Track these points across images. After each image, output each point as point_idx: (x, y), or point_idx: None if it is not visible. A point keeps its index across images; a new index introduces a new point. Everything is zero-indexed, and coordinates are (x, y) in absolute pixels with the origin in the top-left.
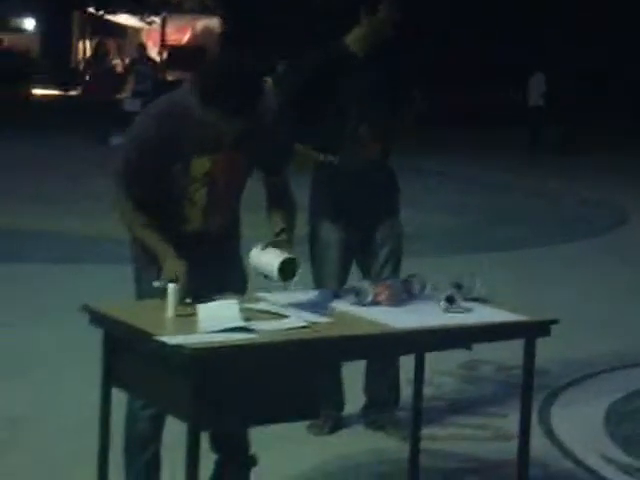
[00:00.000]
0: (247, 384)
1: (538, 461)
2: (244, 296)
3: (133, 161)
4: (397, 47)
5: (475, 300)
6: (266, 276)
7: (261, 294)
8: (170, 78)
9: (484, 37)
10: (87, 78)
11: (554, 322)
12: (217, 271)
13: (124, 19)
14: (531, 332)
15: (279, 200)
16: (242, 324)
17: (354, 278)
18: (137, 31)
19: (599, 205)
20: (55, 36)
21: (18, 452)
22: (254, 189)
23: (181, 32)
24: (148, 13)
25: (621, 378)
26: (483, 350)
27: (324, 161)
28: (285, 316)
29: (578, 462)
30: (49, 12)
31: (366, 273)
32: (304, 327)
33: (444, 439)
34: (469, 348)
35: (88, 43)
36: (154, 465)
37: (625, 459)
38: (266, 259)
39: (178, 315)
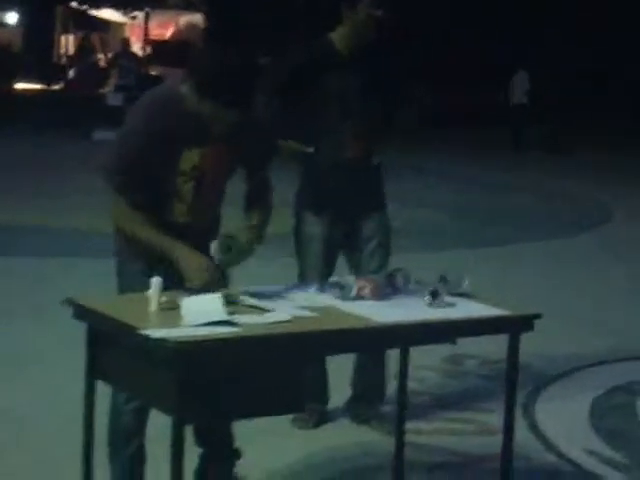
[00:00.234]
0: (231, 377)
1: (522, 455)
2: (227, 290)
3: (125, 156)
4: (385, 48)
5: (460, 295)
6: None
7: (244, 288)
8: (153, 73)
9: (483, 37)
10: (71, 73)
11: (537, 317)
12: None
13: (107, 14)
14: (515, 327)
15: (257, 196)
16: (226, 317)
17: (343, 272)
18: (120, 26)
19: (585, 202)
20: (38, 30)
21: (17, 451)
22: (232, 183)
23: (164, 27)
24: (131, 8)
25: (605, 373)
26: (467, 344)
27: (306, 153)
28: (269, 310)
29: (562, 456)
30: (32, 6)
31: (354, 267)
32: (288, 321)
33: (429, 433)
34: (453, 342)
35: (71, 38)
36: (138, 459)
37: (609, 452)
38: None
39: (162, 309)
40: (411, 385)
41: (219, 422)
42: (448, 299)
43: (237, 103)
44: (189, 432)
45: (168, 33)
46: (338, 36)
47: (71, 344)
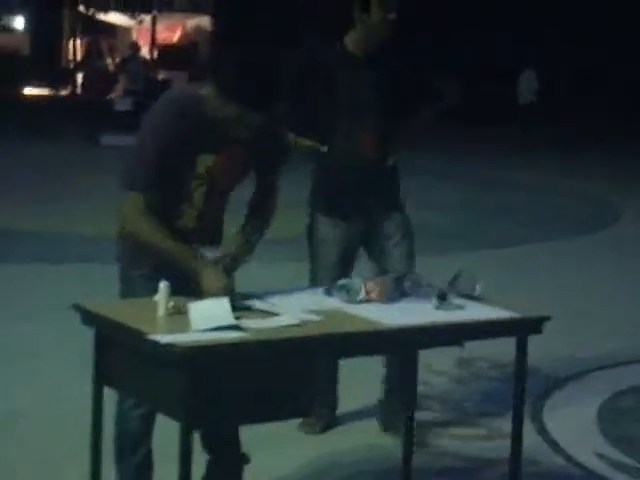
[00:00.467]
0: (239, 382)
1: (531, 459)
2: (234, 294)
3: (151, 161)
4: (398, 49)
5: (468, 297)
6: None
7: (252, 292)
8: (161, 76)
9: (484, 35)
10: (80, 77)
11: (546, 319)
12: None
13: (114, 18)
14: (523, 329)
15: (261, 202)
16: (234, 322)
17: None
18: (127, 30)
19: (593, 202)
20: (45, 35)
21: (15, 449)
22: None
23: (172, 30)
24: (138, 12)
25: (615, 376)
26: (476, 347)
27: (321, 152)
28: (277, 314)
29: (571, 459)
30: (39, 11)
31: (375, 262)
32: (296, 325)
33: (437, 437)
34: (461, 345)
35: (79, 42)
36: (146, 465)
37: (617, 456)
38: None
39: (169, 314)
40: (420, 388)
41: (228, 427)
42: (456, 302)
43: (264, 106)
44: (196, 437)
45: (175, 36)
46: (352, 39)
47: (67, 346)
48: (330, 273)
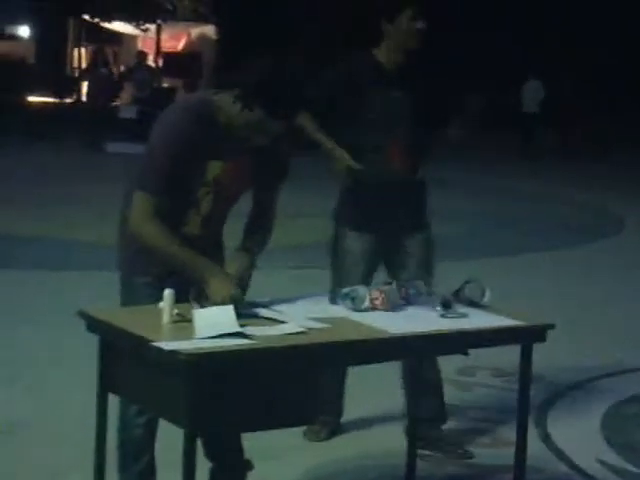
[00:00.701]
0: (244, 390)
1: (535, 466)
2: (239, 302)
3: (163, 168)
4: (427, 61)
5: (473, 305)
6: None
7: (257, 300)
8: (165, 85)
9: (488, 39)
10: (85, 85)
11: (550, 327)
12: None
13: (119, 26)
14: (527, 337)
15: (261, 216)
16: (238, 329)
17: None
18: (132, 38)
19: (596, 211)
20: (50, 43)
21: (17, 457)
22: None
23: (176, 39)
24: (143, 21)
25: (617, 384)
26: (480, 355)
27: (354, 169)
28: (282, 322)
29: (574, 467)
30: (44, 19)
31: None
32: (301, 332)
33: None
34: (466, 353)
35: (84, 50)
36: (149, 472)
37: (621, 463)
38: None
39: (174, 321)
40: None
41: (232, 434)
42: (460, 310)
43: (287, 114)
44: (198, 444)
45: (180, 45)
46: (381, 51)
47: (73, 353)
48: (354, 285)
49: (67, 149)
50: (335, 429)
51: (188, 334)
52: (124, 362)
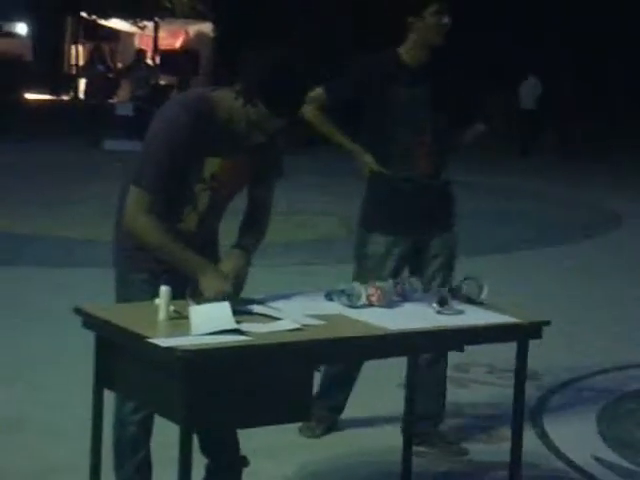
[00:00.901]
0: (239, 386)
1: (531, 462)
2: (236, 298)
3: (162, 163)
4: (446, 57)
5: (470, 302)
6: None
7: (253, 296)
8: (163, 82)
9: (488, 39)
10: (82, 83)
11: (545, 324)
12: None
13: (117, 24)
14: (523, 334)
15: (256, 213)
16: (235, 326)
17: None
18: (130, 36)
19: (594, 209)
20: (48, 41)
21: (16, 454)
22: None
23: (174, 37)
24: (140, 18)
25: (613, 380)
26: (476, 352)
27: (377, 171)
28: (277, 318)
29: (570, 463)
30: (42, 17)
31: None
32: (297, 329)
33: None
34: (460, 350)
35: (81, 48)
36: (145, 469)
37: (616, 460)
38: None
39: (170, 317)
40: None
41: (228, 430)
42: (456, 306)
43: (289, 112)
44: (195, 441)
45: (178, 42)
46: (406, 48)
47: (70, 350)
48: None
49: (65, 146)
50: (331, 426)
51: (184, 331)
52: (120, 358)
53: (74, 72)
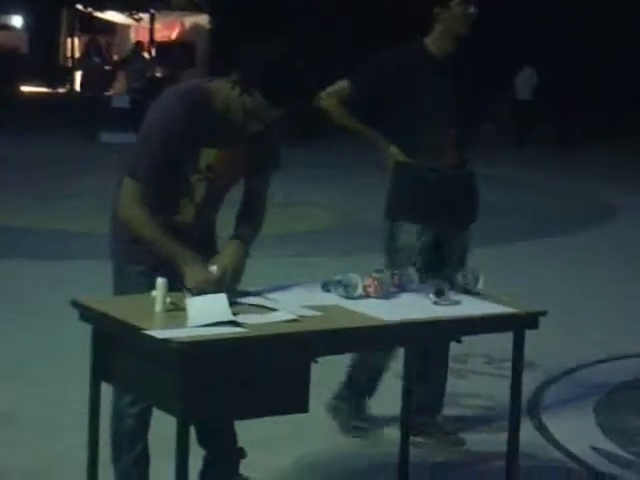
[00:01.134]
0: (236, 378)
1: (528, 453)
2: (232, 290)
3: (157, 154)
4: (474, 50)
5: (467, 292)
6: None
7: (250, 288)
8: (159, 74)
9: (486, 31)
10: (78, 75)
11: (542, 314)
12: None
13: (112, 16)
14: (520, 324)
15: (252, 204)
16: (231, 318)
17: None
18: (126, 28)
19: (591, 201)
20: (43, 33)
21: (13, 448)
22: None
23: (170, 29)
24: (136, 10)
25: (611, 370)
26: (473, 342)
27: (402, 161)
28: (274, 309)
29: (568, 453)
30: (37, 9)
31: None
32: (293, 320)
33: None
34: (459, 341)
35: (77, 40)
36: (143, 461)
37: (614, 449)
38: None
39: (167, 309)
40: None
41: (225, 422)
42: (453, 297)
43: (284, 100)
44: (192, 432)
45: (174, 34)
46: (432, 39)
47: (67, 343)
48: None
49: (61, 139)
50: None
51: (181, 322)
52: (117, 351)
53: (70, 64)
